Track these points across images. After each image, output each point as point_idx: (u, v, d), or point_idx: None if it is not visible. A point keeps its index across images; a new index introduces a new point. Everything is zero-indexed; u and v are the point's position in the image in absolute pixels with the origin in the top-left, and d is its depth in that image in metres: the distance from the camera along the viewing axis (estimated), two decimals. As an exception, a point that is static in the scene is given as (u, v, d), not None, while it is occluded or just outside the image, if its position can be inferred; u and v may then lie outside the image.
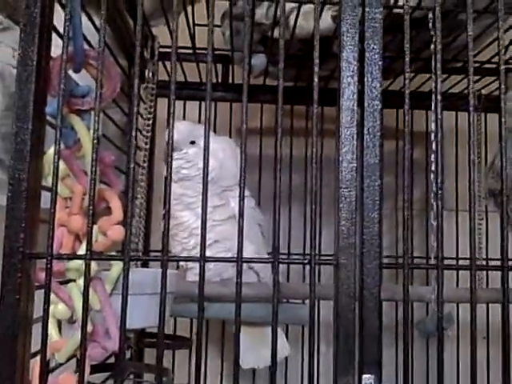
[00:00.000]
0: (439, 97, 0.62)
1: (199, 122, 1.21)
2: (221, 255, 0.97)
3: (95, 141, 0.55)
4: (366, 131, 0.57)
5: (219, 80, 1.21)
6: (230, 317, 0.98)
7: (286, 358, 1.20)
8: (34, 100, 0.55)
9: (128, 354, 1.08)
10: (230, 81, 1.22)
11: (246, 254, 1.00)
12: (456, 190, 1.26)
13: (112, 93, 0.61)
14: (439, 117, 0.60)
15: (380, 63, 0.58)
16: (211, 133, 1.03)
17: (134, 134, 0.57)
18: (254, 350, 1.02)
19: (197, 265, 0.97)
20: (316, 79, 0.57)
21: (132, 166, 0.56)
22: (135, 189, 0.96)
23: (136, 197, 0.96)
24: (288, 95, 1.17)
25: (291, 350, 1.16)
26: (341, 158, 0.56)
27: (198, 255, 0.91)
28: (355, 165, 0.57)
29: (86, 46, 0.64)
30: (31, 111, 0.55)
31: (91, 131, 0.58)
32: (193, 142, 0.99)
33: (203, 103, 1.21)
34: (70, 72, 0.62)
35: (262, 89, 1.20)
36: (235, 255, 0.99)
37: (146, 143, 0.98)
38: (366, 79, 0.57)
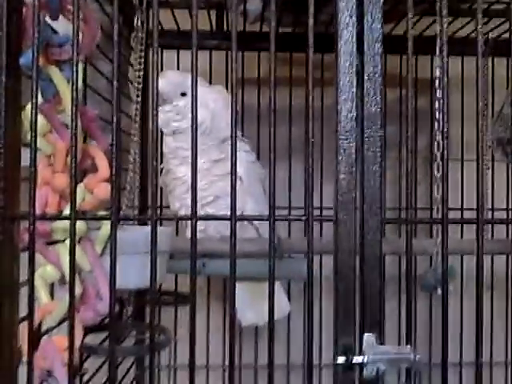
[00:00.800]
0: (445, 40, 0.57)
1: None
2: (223, 212, 0.94)
3: (74, 93, 0.51)
4: (366, 77, 0.53)
5: (213, 28, 1.15)
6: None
7: (289, 314, 1.20)
8: (6, 50, 0.51)
9: (129, 312, 1.07)
10: (225, 28, 1.16)
11: (247, 210, 0.99)
12: (462, 139, 1.22)
13: (91, 41, 0.57)
14: (445, 60, 0.55)
15: (381, 2, 0.53)
16: (202, 83, 0.99)
17: (116, 84, 0.52)
18: (254, 307, 1.00)
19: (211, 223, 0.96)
20: (311, 21, 0.52)
21: (116, 120, 0.52)
22: (127, 143, 0.92)
23: (128, 151, 0.92)
24: (286, 42, 1.13)
25: (295, 305, 1.16)
26: (339, 107, 0.53)
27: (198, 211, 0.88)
28: (355, 114, 0.53)
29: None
30: (4, 62, 0.51)
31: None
32: (183, 94, 0.95)
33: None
34: (48, 20, 0.58)
35: (258, 36, 1.14)
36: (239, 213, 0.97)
37: (137, 95, 0.94)
38: (365, 20, 0.53)
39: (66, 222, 0.56)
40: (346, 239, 0.53)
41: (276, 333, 1.33)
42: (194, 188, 0.53)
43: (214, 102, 0.97)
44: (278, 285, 1.03)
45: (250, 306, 1.01)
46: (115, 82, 0.51)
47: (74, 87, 0.51)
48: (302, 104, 1.20)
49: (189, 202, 0.97)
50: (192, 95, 0.52)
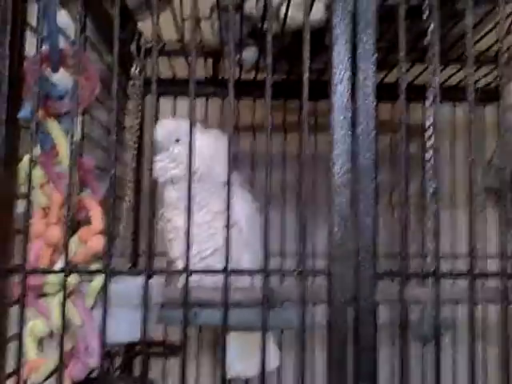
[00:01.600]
0: (438, 89, 0.59)
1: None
2: (221, 264, 0.93)
3: (72, 146, 0.51)
4: (359, 131, 0.54)
5: (209, 75, 1.17)
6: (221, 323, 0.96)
7: (281, 364, 1.18)
8: (6, 103, 0.52)
9: (117, 364, 1.05)
10: (221, 76, 1.18)
11: (244, 260, 0.97)
12: (453, 186, 1.23)
13: (91, 94, 0.57)
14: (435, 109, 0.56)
15: (374, 58, 0.54)
16: (197, 128, 1.00)
17: (114, 136, 0.53)
18: (243, 358, 0.99)
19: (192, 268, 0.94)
20: (306, 74, 0.53)
21: (113, 173, 0.53)
22: (121, 191, 0.93)
23: (123, 199, 0.92)
24: (280, 89, 1.15)
25: (286, 355, 1.14)
26: (333, 162, 0.53)
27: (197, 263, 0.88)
28: (349, 167, 0.53)
29: (65, 44, 0.61)
30: (4, 115, 0.52)
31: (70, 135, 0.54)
32: (177, 140, 0.93)
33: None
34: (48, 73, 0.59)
35: (253, 84, 1.16)
36: (235, 264, 0.95)
37: (134, 142, 0.94)
38: (358, 76, 0.54)
39: (59, 275, 0.56)
40: (339, 292, 0.53)
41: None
42: (187, 240, 0.53)
43: (208, 148, 0.94)
44: (268, 337, 1.01)
45: (240, 358, 0.99)
46: (113, 136, 0.52)
47: (73, 140, 0.51)
48: (295, 150, 1.22)
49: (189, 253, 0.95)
50: (190, 142, 0.53)
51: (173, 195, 0.93)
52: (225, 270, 0.53)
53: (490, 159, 0.91)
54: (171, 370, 1.14)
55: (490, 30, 0.97)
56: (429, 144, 0.81)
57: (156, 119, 1.08)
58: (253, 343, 0.98)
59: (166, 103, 1.17)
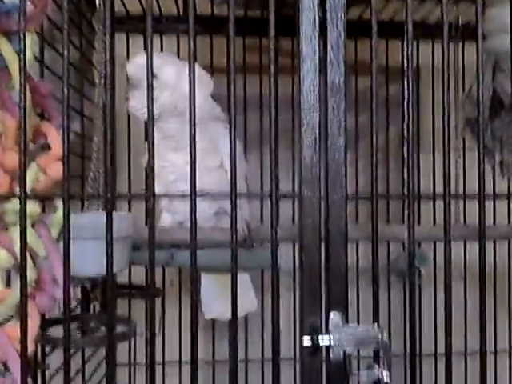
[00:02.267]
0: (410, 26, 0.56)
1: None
2: (203, 204, 0.90)
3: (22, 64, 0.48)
4: (329, 47, 0.51)
5: (180, 12, 1.12)
6: (199, 264, 0.94)
7: (262, 306, 1.18)
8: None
9: (98, 306, 1.04)
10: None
11: (227, 204, 0.95)
12: (432, 129, 1.22)
13: (42, 9, 0.53)
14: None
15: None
16: (176, 61, 0.95)
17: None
18: (220, 301, 0.98)
19: (176, 207, 0.91)
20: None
21: (67, 93, 0.50)
22: (91, 130, 0.89)
23: (91, 139, 0.89)
24: (254, 27, 1.11)
25: (268, 296, 1.14)
26: (302, 77, 0.51)
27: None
28: (317, 86, 0.51)
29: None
30: None
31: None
32: (154, 76, 0.90)
33: (164, 37, 1.14)
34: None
35: (226, 20, 1.11)
36: (220, 205, 0.93)
37: (101, 78, 0.90)
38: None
39: (17, 204, 0.53)
40: (310, 215, 0.51)
41: (249, 326, 1.30)
42: (151, 169, 0.50)
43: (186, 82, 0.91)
44: (246, 280, 1.00)
45: (217, 300, 0.98)
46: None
47: (23, 58, 0.48)
48: (256, 91, 1.19)
49: (174, 189, 0.93)
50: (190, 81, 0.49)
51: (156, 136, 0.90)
52: (191, 194, 0.50)
53: (468, 91, 0.89)
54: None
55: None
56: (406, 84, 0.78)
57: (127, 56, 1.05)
58: (229, 285, 0.97)
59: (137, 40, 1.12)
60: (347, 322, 0.51)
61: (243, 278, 1.00)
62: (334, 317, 0.51)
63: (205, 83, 0.91)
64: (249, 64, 1.18)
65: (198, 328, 1.17)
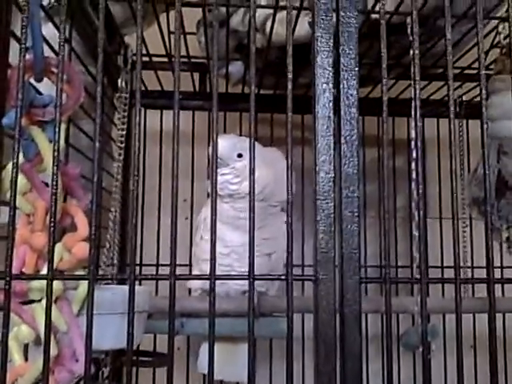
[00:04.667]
0: (418, 103, 0.59)
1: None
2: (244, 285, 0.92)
3: (56, 153, 0.51)
4: (343, 140, 0.54)
5: (196, 89, 1.18)
6: (206, 333, 0.95)
7: (271, 373, 1.18)
8: (-10, 110, 0.52)
9: (106, 373, 1.04)
10: (208, 89, 1.19)
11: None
12: (439, 198, 1.24)
13: (75, 102, 0.58)
14: (419, 124, 0.57)
15: (356, 69, 0.55)
16: (257, 144, 0.99)
17: (97, 145, 0.53)
18: (221, 362, 0.98)
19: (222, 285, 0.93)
20: (290, 86, 0.54)
21: (97, 177, 0.53)
22: (109, 201, 0.93)
23: (109, 210, 0.92)
24: (267, 103, 1.16)
25: (276, 364, 1.14)
26: (317, 169, 0.54)
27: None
28: (333, 175, 0.54)
29: (50, 54, 0.61)
30: (-13, 122, 0.52)
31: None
32: (240, 155, 0.92)
33: (181, 112, 1.18)
34: (33, 82, 0.59)
35: (239, 97, 1.17)
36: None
37: (119, 154, 0.95)
38: (341, 86, 0.55)
39: (43, 282, 0.55)
40: (325, 298, 0.53)
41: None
42: (173, 250, 0.53)
43: (278, 162, 0.90)
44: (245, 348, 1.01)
45: (223, 367, 0.98)
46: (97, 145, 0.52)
47: (56, 147, 0.51)
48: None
49: (225, 262, 0.93)
50: (250, 158, 0.53)
51: (230, 213, 0.92)
52: (210, 276, 0.52)
53: (474, 169, 0.92)
54: (161, 378, 1.13)
55: (472, 47, 0.99)
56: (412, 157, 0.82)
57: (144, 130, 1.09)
58: (233, 352, 0.98)
59: (152, 115, 1.17)
60: (362, 402, 0.52)
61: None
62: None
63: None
64: (260, 136, 1.22)
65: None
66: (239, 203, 0.92)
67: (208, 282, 0.95)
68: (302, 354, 1.19)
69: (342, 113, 0.54)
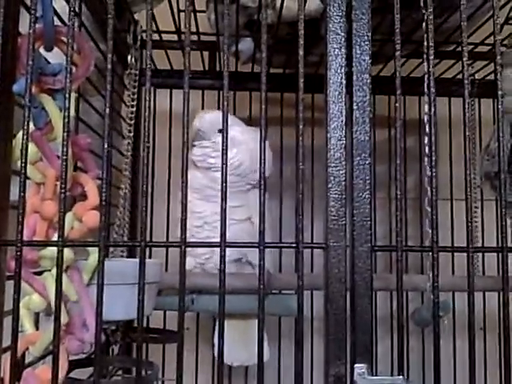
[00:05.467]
0: (432, 81, 0.58)
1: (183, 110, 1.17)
2: (232, 253, 0.94)
3: (66, 120, 0.51)
4: (355, 106, 0.54)
5: (206, 67, 1.17)
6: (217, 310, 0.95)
7: (279, 352, 1.18)
8: (0, 77, 0.52)
9: (116, 349, 1.05)
10: (217, 68, 1.19)
11: (251, 253, 0.98)
12: (450, 179, 1.23)
13: (85, 71, 0.57)
14: (432, 102, 0.56)
15: (369, 34, 0.54)
16: (239, 121, 1.00)
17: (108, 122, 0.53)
18: (235, 346, 0.98)
19: (198, 251, 0.94)
20: (302, 62, 0.53)
21: (108, 140, 0.52)
22: (119, 179, 0.92)
23: (119, 187, 0.92)
24: (277, 82, 1.16)
25: (285, 343, 1.14)
26: (329, 135, 0.53)
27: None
28: (344, 142, 0.53)
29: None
30: (-3, 90, 0.52)
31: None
32: (220, 131, 0.94)
33: (191, 91, 1.18)
34: (42, 51, 0.59)
35: (250, 76, 1.16)
36: (242, 254, 0.96)
37: (129, 131, 0.94)
38: (354, 51, 0.54)
39: (53, 250, 0.55)
40: (336, 266, 0.53)
41: (266, 372, 1.29)
42: (184, 215, 0.53)
43: (255, 142, 0.95)
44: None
45: (235, 346, 0.99)
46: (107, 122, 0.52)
47: (66, 114, 0.51)
48: (292, 143, 1.23)
49: (200, 235, 0.96)
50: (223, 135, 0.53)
51: (202, 182, 0.95)
52: (220, 243, 0.52)
53: (487, 145, 0.91)
54: (170, 357, 1.13)
55: (484, 23, 0.98)
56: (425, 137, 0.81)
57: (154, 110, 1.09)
58: (244, 332, 0.98)
59: (162, 95, 1.17)
60: (372, 372, 0.52)
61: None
62: (359, 369, 0.52)
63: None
64: (270, 116, 1.22)
65: (213, 374, 1.18)
66: (215, 175, 0.95)
67: (194, 257, 0.98)
68: (310, 333, 1.19)
69: (355, 78, 0.53)
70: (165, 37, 1.08)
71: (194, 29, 1.04)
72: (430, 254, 0.66)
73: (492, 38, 0.84)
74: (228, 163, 0.89)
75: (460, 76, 1.16)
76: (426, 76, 0.82)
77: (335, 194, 0.53)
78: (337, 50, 0.54)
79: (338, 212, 0.53)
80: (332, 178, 0.53)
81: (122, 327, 0.93)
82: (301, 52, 0.53)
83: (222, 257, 0.53)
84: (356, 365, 0.52)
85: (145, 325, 1.10)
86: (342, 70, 0.54)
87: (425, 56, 0.81)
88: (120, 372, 1.01)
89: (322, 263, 0.55)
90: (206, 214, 0.94)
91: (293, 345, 1.14)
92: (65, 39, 0.59)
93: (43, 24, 0.56)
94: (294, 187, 1.20)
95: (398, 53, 0.55)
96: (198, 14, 1.02)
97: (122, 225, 0.92)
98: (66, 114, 0.51)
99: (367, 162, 0.54)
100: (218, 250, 0.53)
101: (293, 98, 1.24)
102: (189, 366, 1.18)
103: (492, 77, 1.17)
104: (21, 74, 0.55)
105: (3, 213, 0.53)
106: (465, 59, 0.56)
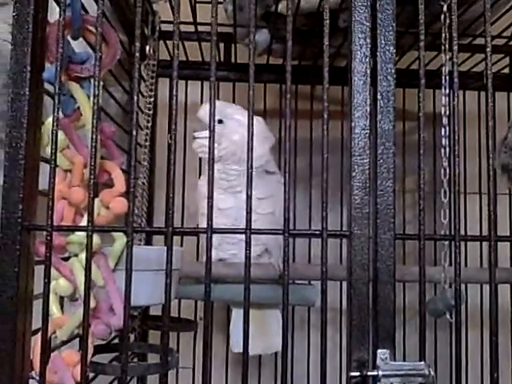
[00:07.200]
0: (456, 71, 0.59)
1: (201, 101, 1.18)
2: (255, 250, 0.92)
3: (95, 108, 0.52)
4: (379, 96, 0.54)
5: (221, 59, 1.18)
6: (235, 298, 0.95)
7: (292, 343, 1.19)
8: (30, 64, 0.53)
9: (132, 337, 1.06)
10: (233, 60, 1.19)
11: (271, 242, 0.98)
12: (464, 172, 1.24)
13: (112, 59, 0.58)
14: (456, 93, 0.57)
15: (393, 24, 0.55)
16: (242, 110, 1.00)
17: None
18: (253, 336, 0.99)
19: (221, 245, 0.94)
20: (327, 51, 0.54)
21: (134, 130, 0.53)
22: (137, 169, 0.93)
23: (138, 177, 0.93)
24: (292, 74, 1.16)
25: (297, 334, 1.14)
26: (353, 124, 0.54)
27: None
28: (368, 131, 0.54)
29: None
30: (28, 76, 0.52)
31: (91, 99, 0.55)
32: (220, 121, 0.94)
33: (205, 83, 1.19)
34: (69, 40, 0.60)
35: (265, 68, 1.17)
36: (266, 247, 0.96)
37: (147, 121, 0.95)
38: (378, 41, 0.55)
39: (81, 236, 0.56)
40: (359, 253, 0.53)
41: (278, 363, 1.30)
42: (210, 198, 0.54)
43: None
44: (278, 317, 1.02)
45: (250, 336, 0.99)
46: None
47: (96, 102, 0.52)
48: (306, 135, 1.23)
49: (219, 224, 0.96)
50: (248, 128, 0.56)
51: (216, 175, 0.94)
52: (246, 231, 0.53)
53: (504, 137, 0.92)
54: (184, 345, 1.14)
55: (500, 17, 0.98)
56: (444, 130, 0.81)
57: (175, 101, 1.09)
58: (260, 322, 0.99)
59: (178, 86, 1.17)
60: (394, 358, 0.53)
61: (275, 316, 1.01)
62: (382, 354, 0.53)
63: (267, 137, 0.97)
64: (300, 110, 1.22)
65: (227, 363, 1.19)
66: (224, 166, 0.95)
67: (219, 251, 0.98)
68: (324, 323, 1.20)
69: (379, 68, 0.54)
70: (181, 28, 1.08)
71: (209, 20, 1.04)
72: (447, 244, 0.67)
73: (507, 31, 0.84)
74: (223, 153, 0.90)
75: (475, 69, 1.16)
76: (444, 68, 0.83)
77: (359, 182, 0.54)
78: (362, 40, 0.55)
79: (362, 200, 0.54)
80: (356, 166, 0.54)
81: (139, 314, 0.94)
82: (326, 42, 0.54)
83: (248, 243, 0.53)
84: (379, 350, 0.53)
85: (160, 313, 1.12)
86: (367, 60, 0.54)
87: (443, 48, 0.82)
88: (136, 359, 1.02)
89: (334, 254, 0.56)
90: (232, 211, 0.94)
91: (305, 337, 1.15)
92: (91, 28, 0.60)
93: (71, 13, 0.57)
94: (307, 179, 1.23)
95: (422, 43, 0.56)
96: (214, 5, 1.02)
97: (140, 213, 0.93)
98: (96, 101, 0.52)
99: (391, 151, 0.54)
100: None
101: (307, 90, 1.24)
102: (201, 356, 1.18)
103: (507, 70, 1.18)
104: (49, 62, 0.56)
105: (33, 198, 0.54)
106: (488, 49, 0.57)
